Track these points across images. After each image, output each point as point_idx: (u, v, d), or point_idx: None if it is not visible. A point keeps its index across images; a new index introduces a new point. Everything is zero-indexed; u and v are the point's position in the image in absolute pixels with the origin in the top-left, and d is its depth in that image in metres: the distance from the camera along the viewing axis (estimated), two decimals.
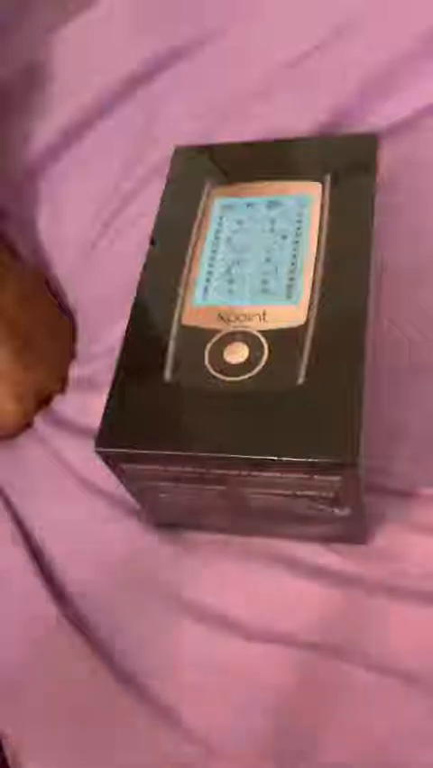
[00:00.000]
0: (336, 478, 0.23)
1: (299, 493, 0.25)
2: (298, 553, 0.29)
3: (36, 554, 0.32)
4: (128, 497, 0.32)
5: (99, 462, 0.27)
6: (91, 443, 0.28)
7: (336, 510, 0.26)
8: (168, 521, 0.30)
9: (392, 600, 0.27)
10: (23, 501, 0.34)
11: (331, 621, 0.28)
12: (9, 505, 0.34)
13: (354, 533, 0.28)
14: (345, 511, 0.26)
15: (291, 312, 0.26)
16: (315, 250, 0.27)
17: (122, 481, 0.27)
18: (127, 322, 0.27)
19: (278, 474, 0.24)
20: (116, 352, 0.33)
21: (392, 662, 0.26)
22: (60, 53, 0.41)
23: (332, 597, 0.28)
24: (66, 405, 0.37)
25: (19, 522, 0.33)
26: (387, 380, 0.31)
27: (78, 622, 0.30)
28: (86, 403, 0.36)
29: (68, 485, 0.33)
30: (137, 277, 0.29)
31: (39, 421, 0.36)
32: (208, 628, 0.28)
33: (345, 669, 0.27)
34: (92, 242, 0.40)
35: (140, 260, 0.30)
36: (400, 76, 0.37)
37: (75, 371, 0.38)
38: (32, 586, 0.31)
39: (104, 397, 0.28)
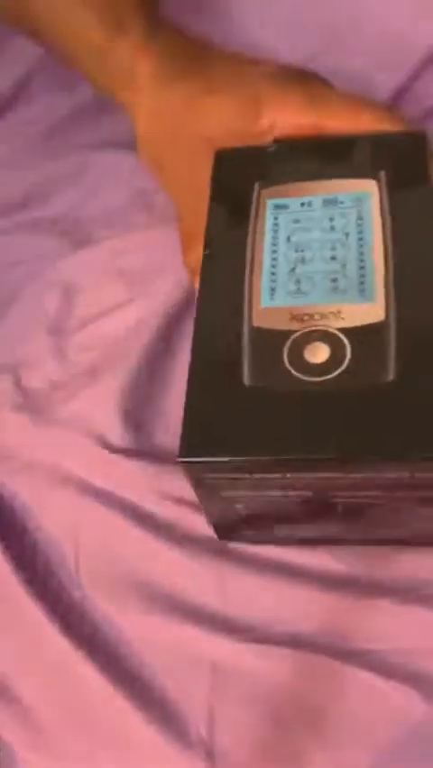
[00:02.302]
0: None
1: (396, 495, 0.24)
2: (299, 556, 0.29)
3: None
4: (128, 498, 0.31)
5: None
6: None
7: (428, 511, 0.25)
8: (236, 537, 0.29)
9: (394, 601, 0.27)
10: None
11: (331, 622, 0.27)
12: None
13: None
14: None
15: (369, 309, 0.25)
16: (381, 247, 0.27)
17: (198, 493, 0.26)
18: (193, 329, 0.26)
19: (375, 474, 0.23)
20: None
21: (395, 663, 0.26)
22: None
23: (332, 597, 0.28)
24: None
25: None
26: None
27: (75, 621, 0.29)
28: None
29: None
30: None
31: None
32: (208, 629, 0.28)
33: (347, 670, 0.26)
34: None
35: None
36: None
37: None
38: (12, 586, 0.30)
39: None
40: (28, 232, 0.42)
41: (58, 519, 0.32)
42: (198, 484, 0.25)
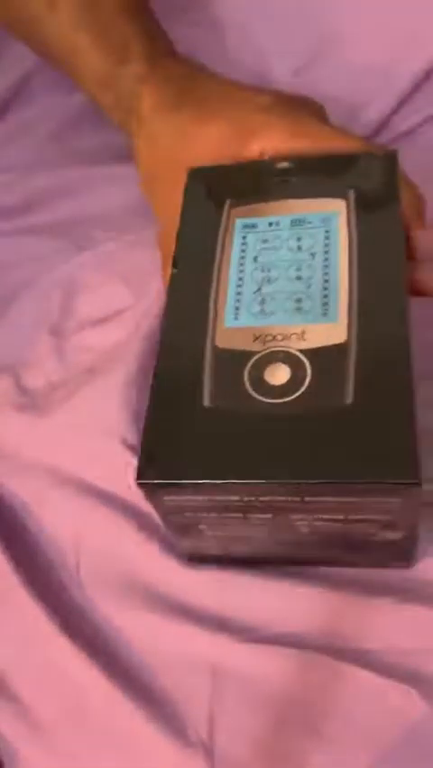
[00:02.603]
0: (396, 499, 0.22)
1: (351, 518, 0.24)
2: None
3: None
4: (128, 498, 0.31)
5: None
6: None
7: (390, 534, 0.25)
8: (204, 556, 0.29)
9: (394, 601, 0.27)
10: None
11: (331, 622, 0.27)
12: None
13: (401, 556, 0.27)
14: (399, 534, 0.25)
15: (331, 330, 0.25)
16: (346, 267, 0.27)
17: (160, 515, 0.26)
18: (158, 348, 0.26)
19: (331, 498, 0.23)
20: None
21: (395, 663, 0.26)
22: None
23: (332, 597, 0.27)
24: None
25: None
26: None
27: (76, 620, 0.29)
28: None
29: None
30: None
31: None
32: (208, 630, 0.28)
33: (346, 670, 0.26)
34: None
35: None
36: None
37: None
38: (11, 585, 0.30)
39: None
40: (29, 233, 0.43)
41: (58, 519, 0.32)
42: (159, 505, 0.25)
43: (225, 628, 0.28)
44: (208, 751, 0.26)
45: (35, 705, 0.28)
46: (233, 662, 0.27)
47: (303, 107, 0.34)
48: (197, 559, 0.29)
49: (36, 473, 0.33)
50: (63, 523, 0.32)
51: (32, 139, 0.47)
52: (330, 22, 0.43)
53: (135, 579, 0.30)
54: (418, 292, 0.28)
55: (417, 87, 0.43)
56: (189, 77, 0.36)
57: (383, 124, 0.43)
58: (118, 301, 0.37)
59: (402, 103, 0.43)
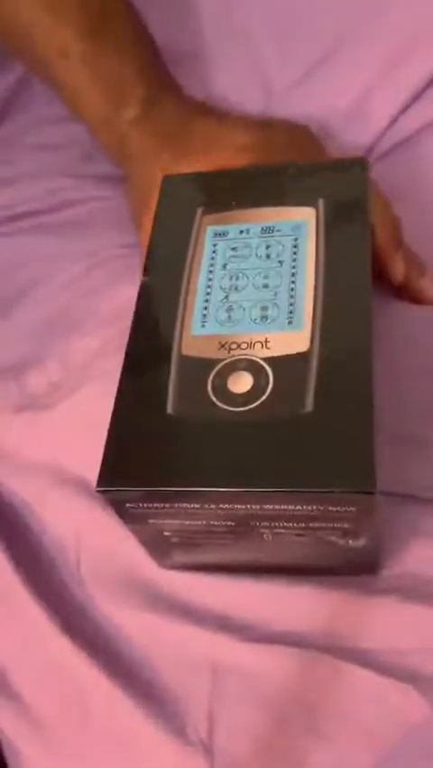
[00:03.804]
0: (352, 508, 0.22)
1: (312, 525, 0.24)
2: None
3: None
4: None
5: None
6: None
7: (351, 542, 0.25)
8: (174, 564, 0.29)
9: (395, 600, 0.27)
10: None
11: (331, 621, 0.27)
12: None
13: (367, 564, 0.27)
14: (361, 542, 0.25)
15: (294, 338, 0.25)
16: (313, 275, 0.27)
17: (125, 522, 0.26)
18: (125, 355, 0.27)
19: (290, 507, 0.23)
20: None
21: (395, 663, 0.26)
22: None
23: (332, 597, 0.28)
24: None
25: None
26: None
27: (76, 619, 0.29)
28: None
29: None
30: None
31: None
32: (208, 628, 0.28)
33: (346, 669, 0.26)
34: None
35: None
36: None
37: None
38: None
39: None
40: (34, 233, 0.43)
41: (59, 518, 0.32)
42: (122, 512, 0.25)
43: (226, 627, 0.28)
44: (208, 749, 0.26)
45: (36, 703, 0.29)
46: (233, 661, 0.27)
47: (288, 140, 0.35)
48: (166, 565, 0.30)
49: (37, 473, 0.33)
50: (64, 522, 0.32)
51: (34, 144, 0.47)
52: (335, 28, 0.43)
53: (136, 577, 0.30)
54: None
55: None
56: (179, 119, 0.37)
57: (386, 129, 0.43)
58: (123, 299, 0.38)
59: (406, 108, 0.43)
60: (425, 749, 0.25)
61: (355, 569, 0.27)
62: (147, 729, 0.27)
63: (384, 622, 0.27)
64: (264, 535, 0.25)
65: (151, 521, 0.25)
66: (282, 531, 0.24)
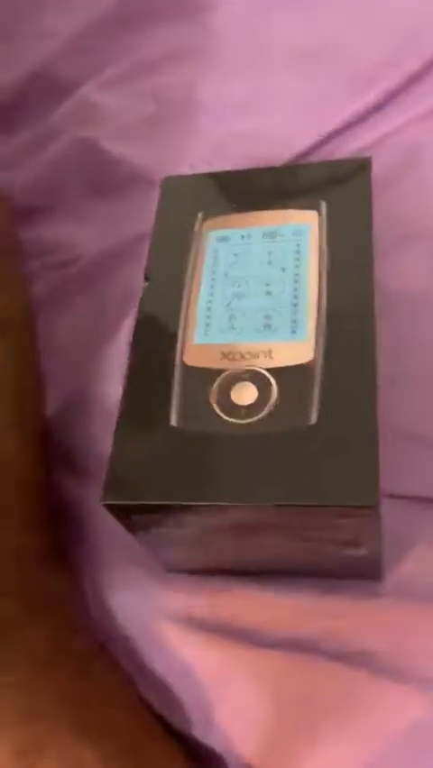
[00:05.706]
0: (353, 521, 0.22)
1: (314, 535, 0.24)
2: None
3: None
4: None
5: None
6: None
7: (353, 551, 0.25)
8: (179, 568, 0.29)
9: (395, 601, 0.27)
10: None
11: (331, 622, 0.27)
12: None
13: (370, 570, 0.27)
14: (363, 551, 0.25)
15: (298, 348, 0.25)
16: (316, 282, 0.27)
17: (130, 532, 0.26)
18: (127, 364, 0.26)
19: (292, 519, 0.23)
20: None
21: (395, 663, 0.26)
22: None
23: (332, 597, 0.28)
24: None
25: None
26: None
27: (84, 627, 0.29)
28: None
29: None
30: None
31: None
32: (212, 634, 0.28)
33: (346, 670, 0.26)
34: None
35: None
36: None
37: None
38: None
39: None
40: None
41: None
42: (126, 523, 0.25)
43: (225, 629, 0.28)
44: (209, 751, 0.26)
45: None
46: (234, 664, 0.27)
47: None
48: (173, 569, 0.30)
49: None
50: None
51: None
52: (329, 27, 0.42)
53: (137, 580, 0.30)
54: None
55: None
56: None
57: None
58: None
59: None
60: (425, 749, 0.25)
61: (358, 575, 0.28)
62: (147, 729, 0.27)
63: (384, 623, 0.27)
64: (266, 543, 0.25)
65: (155, 530, 0.25)
66: (285, 539, 0.25)
